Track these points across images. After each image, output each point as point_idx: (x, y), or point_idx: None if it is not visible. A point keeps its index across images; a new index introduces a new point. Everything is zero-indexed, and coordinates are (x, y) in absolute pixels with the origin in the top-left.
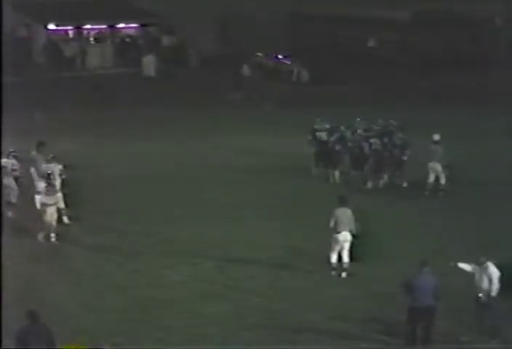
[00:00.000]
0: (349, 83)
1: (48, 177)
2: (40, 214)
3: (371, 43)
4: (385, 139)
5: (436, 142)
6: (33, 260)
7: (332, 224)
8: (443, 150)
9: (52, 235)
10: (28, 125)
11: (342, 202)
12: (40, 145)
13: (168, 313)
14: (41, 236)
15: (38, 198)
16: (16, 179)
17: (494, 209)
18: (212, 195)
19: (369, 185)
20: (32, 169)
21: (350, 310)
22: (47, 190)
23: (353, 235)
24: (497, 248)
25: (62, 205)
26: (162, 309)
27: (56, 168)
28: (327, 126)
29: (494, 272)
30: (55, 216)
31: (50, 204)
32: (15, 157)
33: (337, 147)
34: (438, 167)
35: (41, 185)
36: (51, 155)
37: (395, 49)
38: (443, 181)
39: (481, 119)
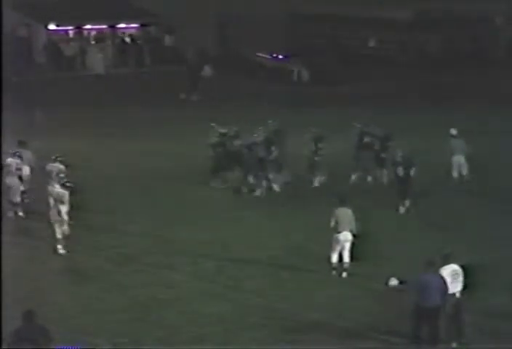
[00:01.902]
0: (349, 83)
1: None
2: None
3: (371, 43)
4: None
5: (454, 136)
6: (33, 260)
7: (332, 224)
8: (464, 142)
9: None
10: (27, 125)
11: (343, 202)
12: (21, 144)
13: (168, 312)
14: (60, 247)
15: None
16: (20, 178)
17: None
18: (212, 195)
19: (258, 192)
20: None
21: (351, 309)
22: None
23: (354, 235)
24: (497, 247)
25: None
26: (162, 309)
27: (57, 168)
28: (222, 130)
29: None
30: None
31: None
32: (20, 157)
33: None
34: (462, 160)
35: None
36: (56, 155)
37: (395, 48)
38: (465, 172)
39: (481, 119)
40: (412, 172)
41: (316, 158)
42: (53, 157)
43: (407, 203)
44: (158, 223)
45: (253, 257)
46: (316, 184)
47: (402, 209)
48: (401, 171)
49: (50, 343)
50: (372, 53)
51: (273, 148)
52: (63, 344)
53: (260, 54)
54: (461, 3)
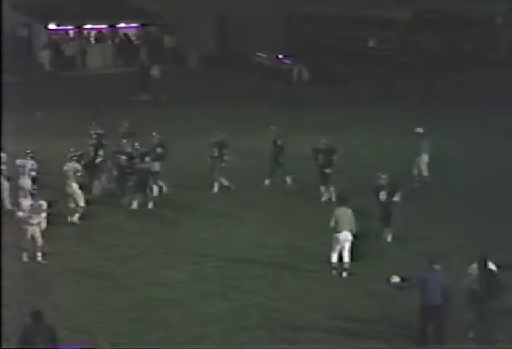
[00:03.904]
0: (349, 83)
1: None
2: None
3: (371, 43)
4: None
5: (423, 135)
6: (33, 260)
7: (332, 224)
8: (429, 142)
9: (38, 254)
10: (27, 125)
11: (342, 202)
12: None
13: (168, 312)
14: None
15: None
16: (33, 179)
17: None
18: (211, 194)
19: (134, 204)
20: None
21: (351, 309)
22: (32, 208)
23: (354, 235)
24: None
25: (44, 225)
26: (162, 309)
27: (72, 167)
28: (99, 131)
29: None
30: (38, 235)
31: (32, 224)
32: (33, 158)
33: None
34: (426, 159)
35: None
36: (72, 154)
37: (395, 48)
38: (426, 173)
39: (481, 118)
40: (397, 198)
41: (223, 164)
42: (68, 156)
43: (391, 230)
44: (158, 223)
45: (253, 256)
46: (216, 190)
47: (387, 237)
48: (383, 196)
49: (57, 343)
50: (372, 53)
51: (146, 159)
52: (63, 343)
53: (261, 54)
54: (461, 3)
